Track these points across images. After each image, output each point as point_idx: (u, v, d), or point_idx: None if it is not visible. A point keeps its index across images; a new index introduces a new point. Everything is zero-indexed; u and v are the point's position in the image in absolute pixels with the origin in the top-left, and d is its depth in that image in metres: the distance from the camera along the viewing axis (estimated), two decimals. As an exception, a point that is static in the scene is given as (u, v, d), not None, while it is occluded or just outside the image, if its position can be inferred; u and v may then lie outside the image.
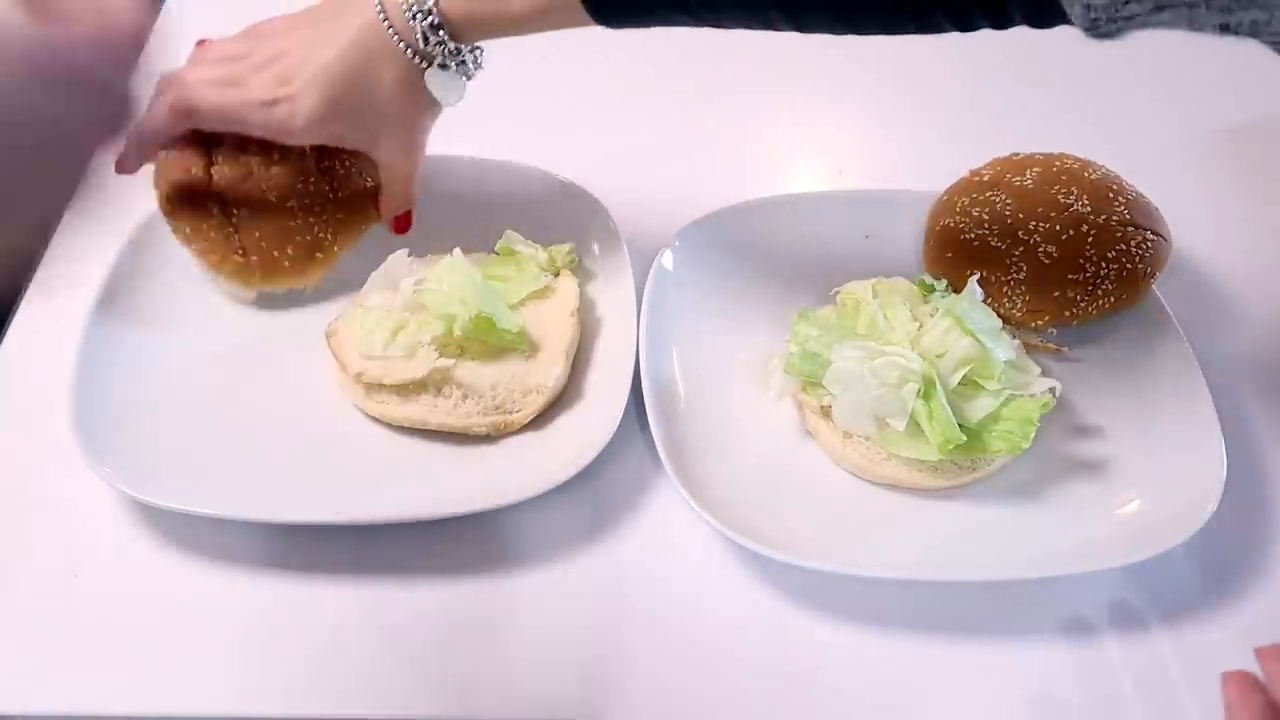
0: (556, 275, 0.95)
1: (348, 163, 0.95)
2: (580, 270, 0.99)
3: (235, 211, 0.91)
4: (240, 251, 0.91)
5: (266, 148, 0.92)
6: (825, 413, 0.85)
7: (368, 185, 0.95)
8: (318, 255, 0.93)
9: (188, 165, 0.92)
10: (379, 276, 0.92)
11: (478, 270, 0.90)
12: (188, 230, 0.92)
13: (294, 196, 0.92)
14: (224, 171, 0.92)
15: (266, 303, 0.95)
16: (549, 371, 0.87)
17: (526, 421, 0.87)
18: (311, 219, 0.93)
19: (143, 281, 0.95)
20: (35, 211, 0.53)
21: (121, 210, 0.98)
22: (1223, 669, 0.76)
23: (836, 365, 0.83)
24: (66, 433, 0.81)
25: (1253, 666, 0.77)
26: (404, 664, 0.76)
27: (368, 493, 0.83)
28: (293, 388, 0.90)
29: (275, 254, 0.91)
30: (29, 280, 1.00)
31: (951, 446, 0.79)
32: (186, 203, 0.91)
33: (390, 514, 0.79)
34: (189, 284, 0.96)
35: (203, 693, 0.75)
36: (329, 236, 0.93)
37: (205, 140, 0.93)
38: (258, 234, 0.91)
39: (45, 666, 0.75)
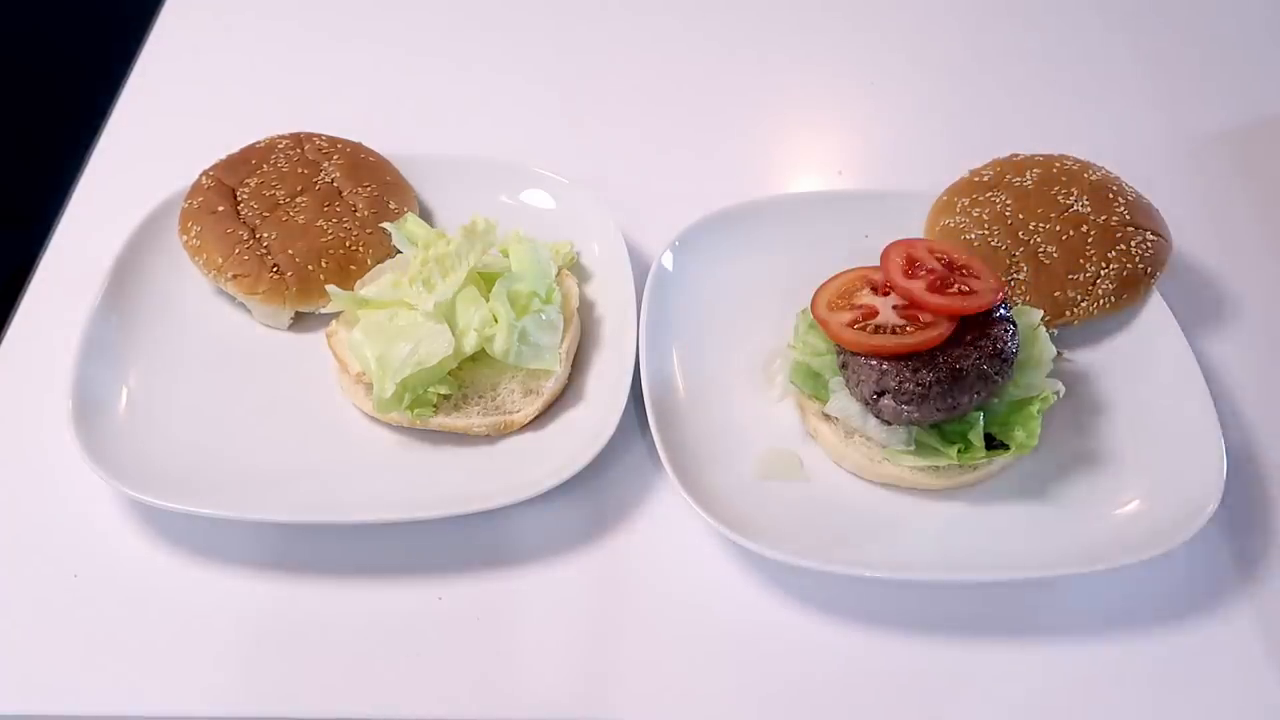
0: (558, 272, 0.95)
1: (373, 189, 0.99)
2: (580, 270, 0.99)
3: (266, 235, 0.94)
4: (275, 270, 0.92)
5: (292, 183, 0.97)
6: (826, 415, 0.86)
7: (390, 207, 0.98)
8: (351, 268, 0.94)
9: (214, 205, 0.96)
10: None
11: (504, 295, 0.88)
12: (220, 261, 0.93)
13: (323, 218, 0.96)
14: (252, 206, 0.96)
15: (301, 327, 0.95)
16: (549, 373, 0.87)
17: (527, 422, 0.87)
18: (342, 234, 0.95)
19: (143, 283, 0.95)
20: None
21: (122, 210, 0.98)
22: (1223, 669, 0.77)
23: (838, 400, 0.84)
24: (66, 433, 0.81)
25: (1251, 666, 0.77)
26: (404, 663, 0.76)
27: (368, 493, 0.83)
28: (293, 388, 0.90)
29: (310, 268, 0.93)
30: (29, 279, 1.00)
31: (978, 457, 0.81)
32: (217, 238, 0.94)
33: (391, 514, 0.79)
34: (189, 286, 0.96)
35: (202, 692, 0.74)
36: (361, 249, 0.95)
37: (229, 181, 0.98)
38: (290, 251, 0.93)
39: (45, 666, 0.75)
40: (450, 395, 0.86)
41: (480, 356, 0.87)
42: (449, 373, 0.86)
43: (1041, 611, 0.79)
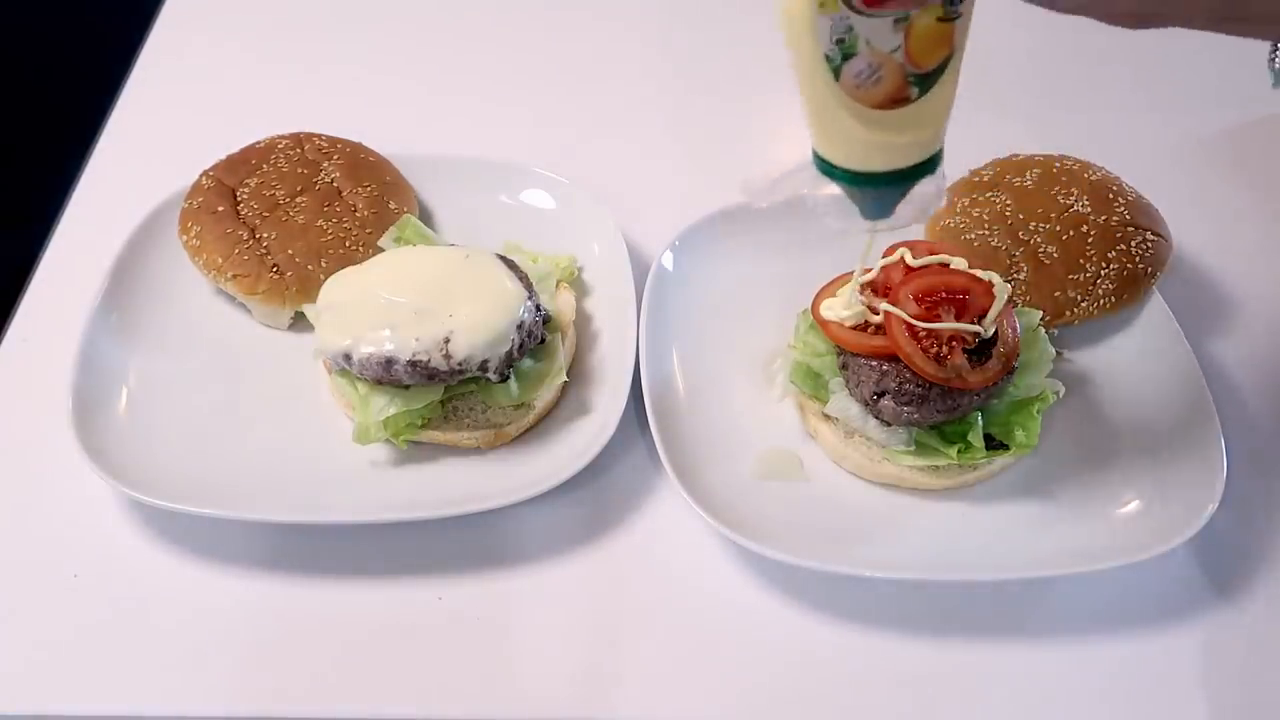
0: (555, 287, 0.94)
1: (373, 189, 0.98)
2: (580, 272, 0.98)
3: (266, 235, 0.94)
4: (275, 270, 0.92)
5: (292, 183, 0.97)
6: (826, 416, 0.86)
7: (390, 207, 0.98)
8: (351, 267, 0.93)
9: (214, 205, 0.96)
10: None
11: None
12: (220, 261, 0.93)
13: (323, 218, 0.96)
14: (252, 206, 0.96)
15: (301, 327, 0.94)
16: (540, 391, 0.86)
17: (519, 434, 0.87)
18: (342, 234, 0.95)
19: (143, 283, 0.95)
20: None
21: (122, 210, 0.98)
22: (1223, 669, 0.77)
23: (838, 401, 0.83)
24: (66, 433, 0.81)
25: (1252, 666, 0.77)
26: (404, 663, 0.76)
27: (368, 493, 0.83)
28: (293, 388, 0.90)
29: (310, 268, 0.92)
30: (29, 279, 1.00)
31: (978, 457, 0.81)
32: (217, 238, 0.94)
33: (391, 514, 0.79)
34: (190, 286, 0.96)
35: (202, 692, 0.74)
36: (360, 249, 0.95)
37: (229, 182, 0.98)
38: (290, 251, 0.93)
39: (45, 666, 0.75)
40: (438, 412, 0.85)
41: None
42: None
43: (1041, 611, 0.79)
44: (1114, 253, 0.92)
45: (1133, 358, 0.92)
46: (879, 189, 0.66)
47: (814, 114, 0.64)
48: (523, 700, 0.75)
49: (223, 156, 1.01)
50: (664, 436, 0.83)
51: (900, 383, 0.79)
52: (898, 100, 0.61)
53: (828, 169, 0.66)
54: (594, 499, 0.84)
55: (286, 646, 0.77)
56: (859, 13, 0.57)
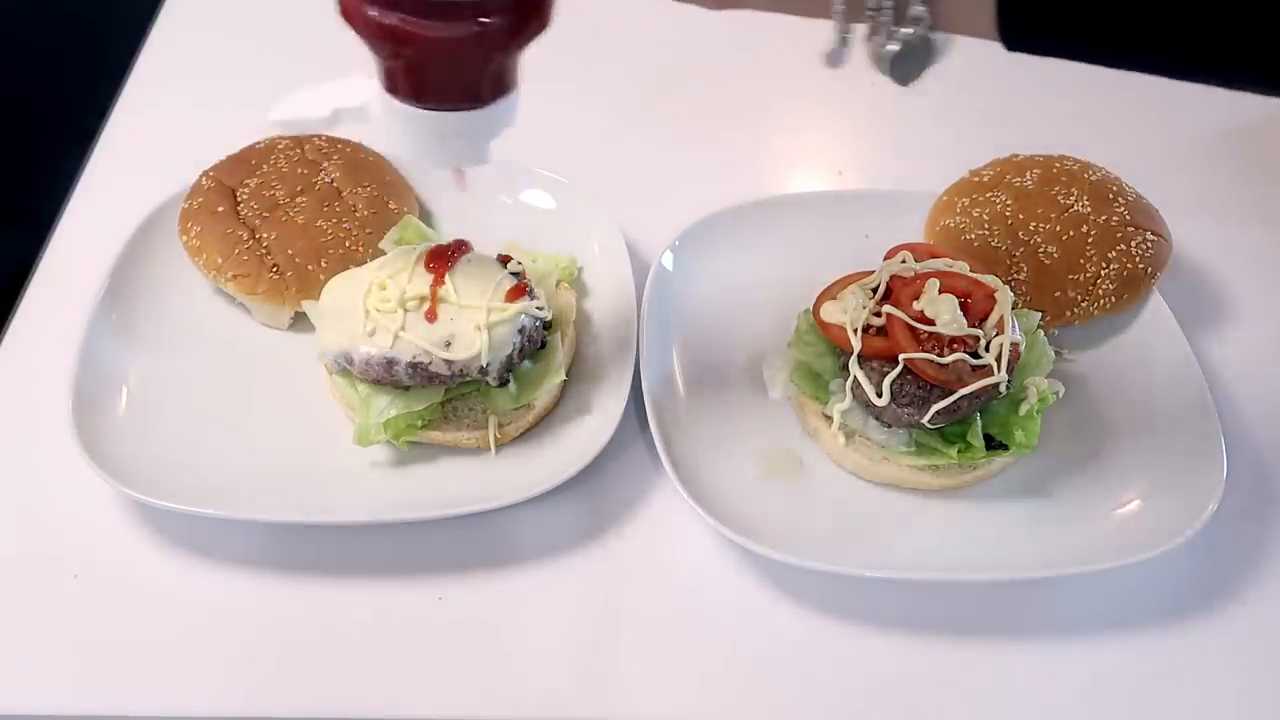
0: (555, 286, 0.94)
1: (373, 189, 0.98)
2: (580, 272, 0.98)
3: (266, 235, 0.94)
4: (274, 270, 0.92)
5: (292, 183, 0.97)
6: (826, 416, 0.86)
7: (390, 207, 0.98)
8: (351, 268, 0.93)
9: (214, 205, 0.96)
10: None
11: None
12: (220, 261, 0.93)
13: (323, 218, 0.95)
14: (252, 206, 0.96)
15: (301, 327, 0.94)
16: (538, 392, 0.86)
17: (518, 434, 0.87)
18: (342, 234, 0.95)
19: (143, 283, 0.95)
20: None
21: (122, 210, 0.98)
22: (1222, 669, 0.77)
23: (839, 401, 0.83)
24: (66, 433, 0.81)
25: (1252, 666, 0.77)
26: (404, 663, 0.76)
27: (368, 493, 0.83)
28: (293, 388, 0.90)
29: (310, 268, 0.92)
30: (29, 279, 1.00)
31: (978, 457, 0.81)
32: (217, 239, 0.94)
33: (391, 514, 0.80)
34: (190, 286, 0.96)
35: (202, 693, 0.74)
36: (360, 249, 0.95)
37: (229, 182, 0.97)
38: (290, 251, 0.93)
39: (45, 666, 0.75)
40: (438, 413, 0.85)
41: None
42: None
43: (1041, 611, 0.79)
44: (1114, 253, 0.92)
45: (1133, 358, 0.92)
46: None
47: None
48: (523, 700, 0.75)
49: (223, 157, 1.01)
50: (664, 436, 0.83)
51: (901, 385, 0.79)
52: None
53: None
54: (594, 499, 0.84)
55: (286, 647, 0.77)
56: None
